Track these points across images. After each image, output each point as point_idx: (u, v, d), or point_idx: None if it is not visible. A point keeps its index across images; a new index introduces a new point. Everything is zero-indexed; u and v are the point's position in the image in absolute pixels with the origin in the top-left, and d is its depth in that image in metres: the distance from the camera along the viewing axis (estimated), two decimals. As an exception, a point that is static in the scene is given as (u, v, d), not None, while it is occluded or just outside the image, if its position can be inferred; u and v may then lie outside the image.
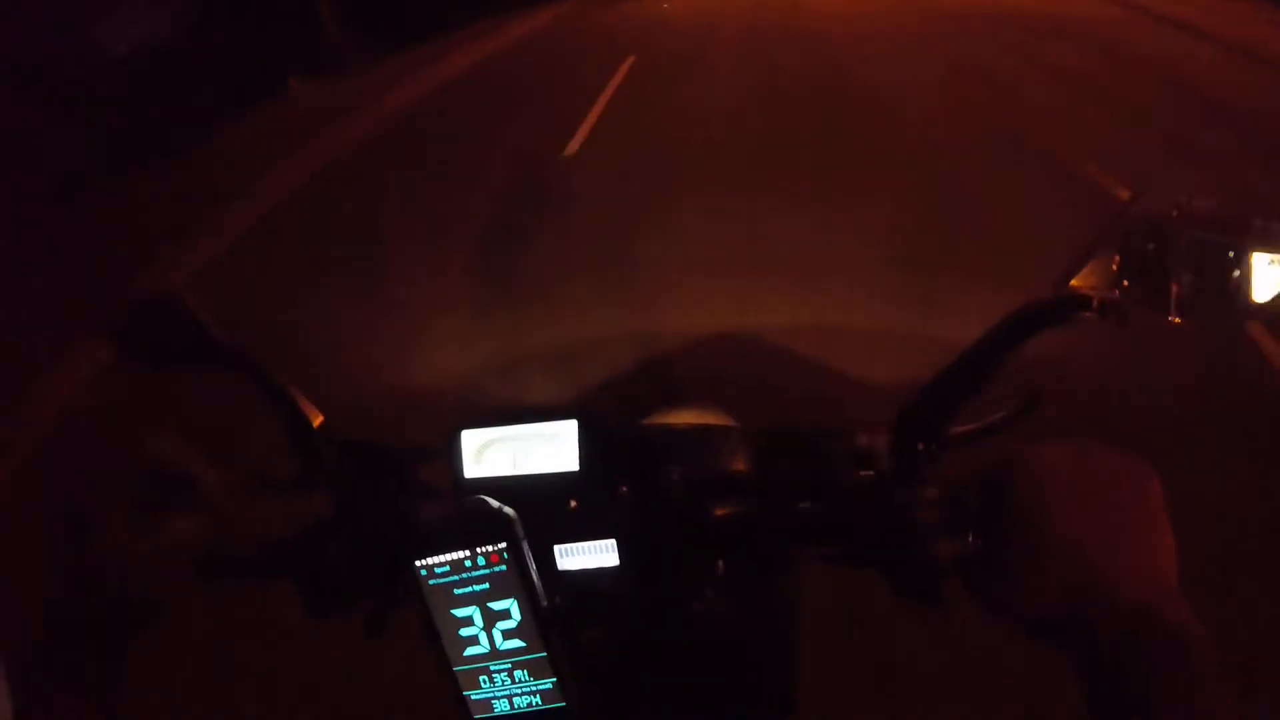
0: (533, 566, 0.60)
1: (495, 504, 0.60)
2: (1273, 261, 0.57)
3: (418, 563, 0.62)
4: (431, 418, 0.76)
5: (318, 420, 0.72)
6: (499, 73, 9.58)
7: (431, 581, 0.62)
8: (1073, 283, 0.60)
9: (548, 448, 0.67)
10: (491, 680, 0.62)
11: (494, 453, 0.68)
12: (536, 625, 0.60)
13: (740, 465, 0.67)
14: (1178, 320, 0.59)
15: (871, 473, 0.63)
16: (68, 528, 0.62)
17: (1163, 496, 0.57)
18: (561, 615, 0.61)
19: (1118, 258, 0.61)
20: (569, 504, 0.66)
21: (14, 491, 2.95)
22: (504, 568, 0.60)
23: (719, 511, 0.64)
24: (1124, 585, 0.52)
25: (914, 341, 3.02)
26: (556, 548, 0.66)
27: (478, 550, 0.60)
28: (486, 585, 0.61)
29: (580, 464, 0.66)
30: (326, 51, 8.75)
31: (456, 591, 0.61)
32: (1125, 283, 0.60)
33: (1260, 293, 0.57)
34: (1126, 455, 0.58)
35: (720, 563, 0.65)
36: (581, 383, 3.07)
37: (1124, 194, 4.42)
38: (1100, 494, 0.56)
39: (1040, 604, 0.55)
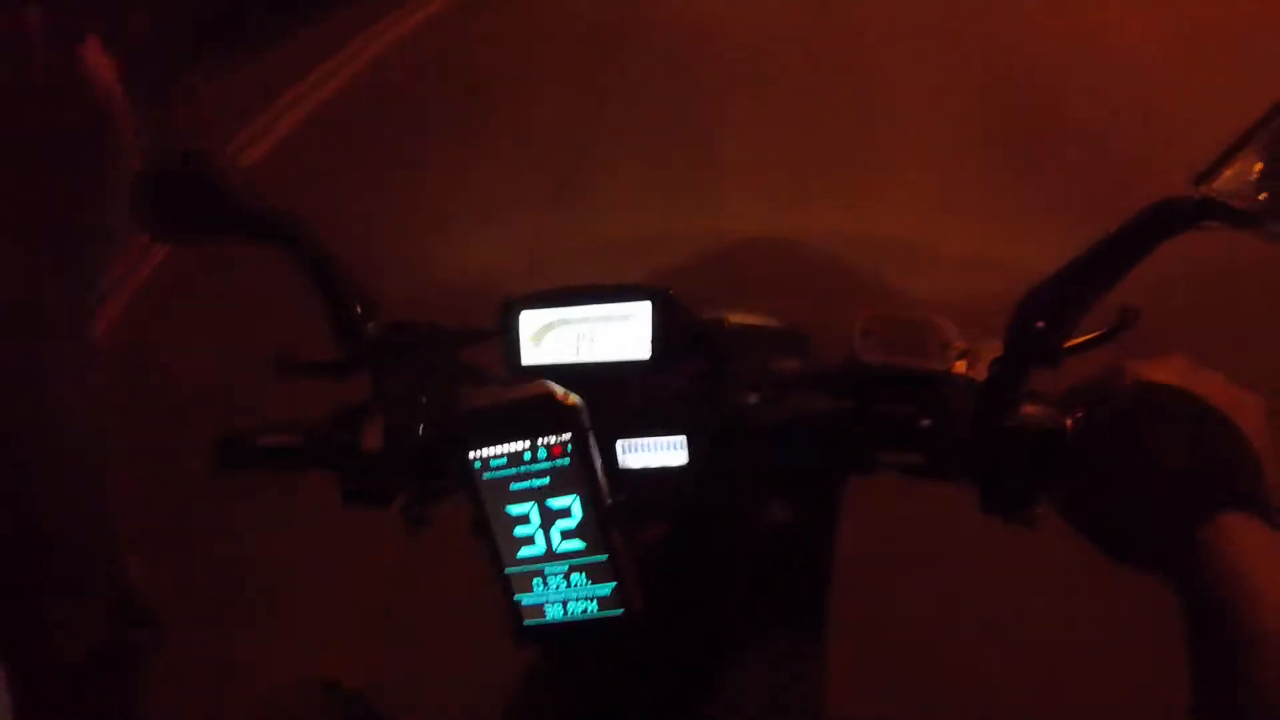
0: (598, 461, 0.55)
1: (561, 390, 0.55)
2: None
3: (471, 454, 0.57)
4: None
5: (363, 297, 0.66)
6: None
7: (486, 475, 0.57)
8: (1213, 184, 0.54)
9: (617, 332, 0.61)
10: (545, 584, 0.58)
11: (556, 336, 0.62)
12: (598, 525, 0.56)
13: (828, 362, 0.62)
14: None
15: (974, 378, 0.58)
16: None
17: (1267, 426, 0.53)
18: (625, 514, 0.56)
19: (1260, 163, 0.55)
20: (637, 395, 0.61)
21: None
22: (567, 461, 0.55)
23: (804, 410, 0.59)
24: (1229, 513, 0.49)
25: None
26: (620, 443, 0.61)
27: (539, 441, 0.55)
28: (547, 480, 0.56)
29: (653, 351, 0.60)
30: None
31: (513, 486, 0.56)
32: (1263, 194, 0.55)
33: None
34: (1231, 381, 0.55)
35: (797, 466, 0.61)
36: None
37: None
38: (1205, 417, 0.52)
39: (1138, 528, 0.51)
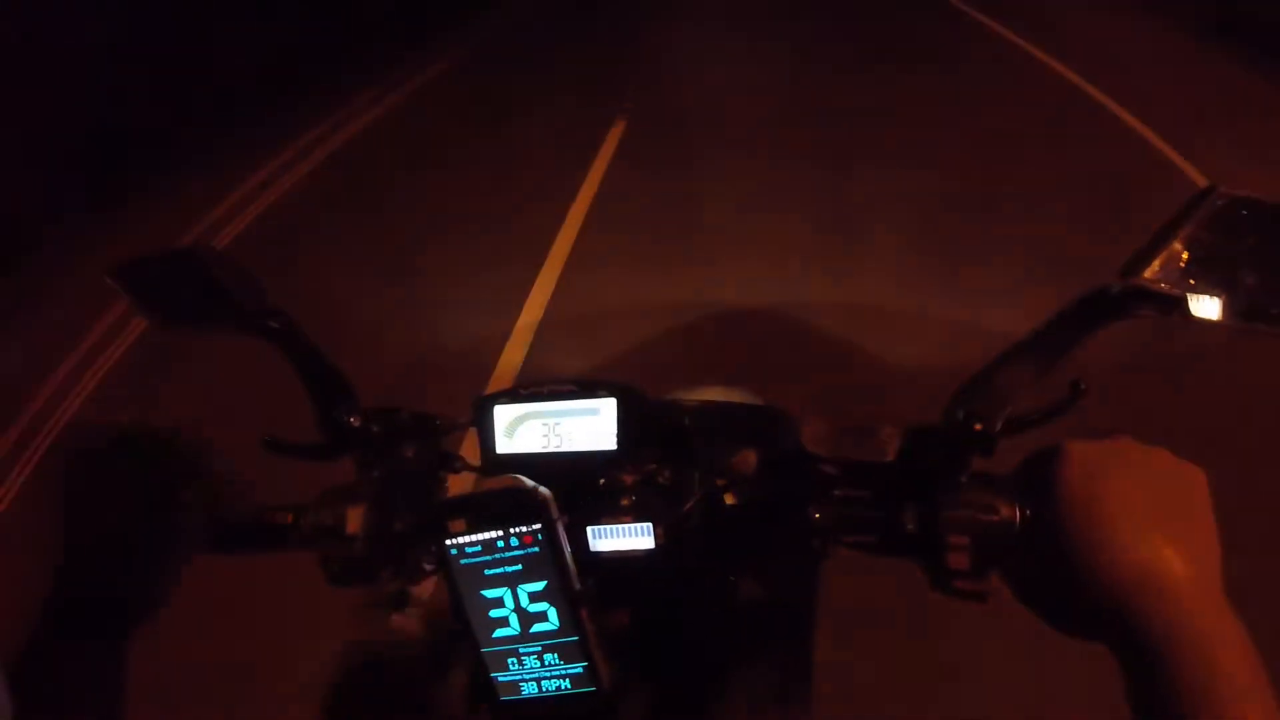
0: (567, 548, 0.58)
1: (531, 484, 0.58)
2: None
3: (448, 541, 0.60)
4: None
5: (343, 388, 0.69)
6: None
7: (462, 561, 0.60)
8: (1144, 274, 0.57)
9: (585, 426, 0.65)
10: (520, 663, 0.61)
11: (527, 428, 0.66)
12: (569, 608, 0.59)
13: (784, 449, 0.65)
14: (1238, 324, 0.57)
15: (918, 463, 0.61)
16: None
17: (1210, 499, 0.56)
18: (594, 598, 0.59)
19: (1186, 252, 0.58)
20: (605, 484, 0.64)
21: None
22: (537, 549, 0.58)
23: (761, 497, 0.62)
24: (1168, 586, 0.51)
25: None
26: (589, 529, 0.64)
27: (511, 530, 0.58)
28: (519, 566, 0.59)
29: (619, 444, 0.64)
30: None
31: (487, 572, 0.60)
32: (1191, 280, 0.58)
33: None
34: (1174, 455, 0.57)
35: (758, 548, 0.63)
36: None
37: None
38: (1148, 492, 0.55)
39: (1082, 600, 0.54)
